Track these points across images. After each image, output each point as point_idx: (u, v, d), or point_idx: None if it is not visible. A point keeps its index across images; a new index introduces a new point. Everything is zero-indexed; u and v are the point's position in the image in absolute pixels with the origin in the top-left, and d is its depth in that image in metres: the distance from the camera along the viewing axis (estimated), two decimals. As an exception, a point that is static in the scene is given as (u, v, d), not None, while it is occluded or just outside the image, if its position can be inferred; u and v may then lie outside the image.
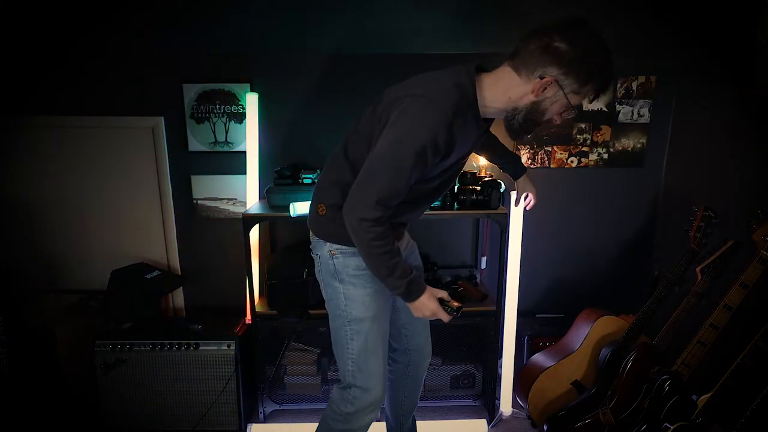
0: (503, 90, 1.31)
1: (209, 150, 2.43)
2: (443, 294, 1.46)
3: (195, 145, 2.42)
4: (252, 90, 2.35)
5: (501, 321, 2.24)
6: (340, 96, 2.35)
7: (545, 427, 2.01)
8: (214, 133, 2.41)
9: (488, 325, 2.22)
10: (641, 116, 2.44)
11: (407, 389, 1.87)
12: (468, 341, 2.33)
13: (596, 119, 2.43)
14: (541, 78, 1.24)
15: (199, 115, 2.39)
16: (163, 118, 2.39)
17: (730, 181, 2.16)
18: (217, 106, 2.38)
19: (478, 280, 2.48)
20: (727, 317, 1.70)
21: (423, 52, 2.31)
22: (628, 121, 2.44)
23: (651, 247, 2.60)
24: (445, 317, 1.44)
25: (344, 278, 1.51)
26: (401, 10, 2.29)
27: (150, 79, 2.35)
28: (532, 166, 2.49)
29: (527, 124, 1.33)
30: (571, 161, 2.49)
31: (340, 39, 2.32)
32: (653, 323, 1.99)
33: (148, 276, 2.37)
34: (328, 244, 1.51)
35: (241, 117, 2.39)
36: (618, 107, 2.42)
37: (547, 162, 2.49)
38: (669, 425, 1.60)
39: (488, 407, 2.33)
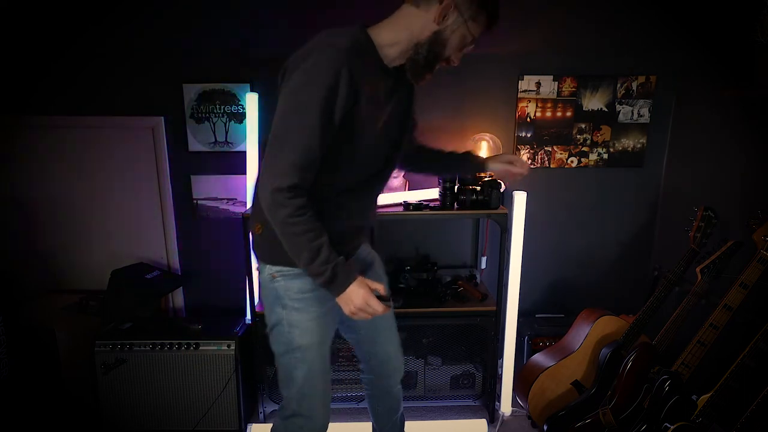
0: (404, 27, 1.30)
1: (209, 150, 2.43)
2: (379, 287, 1.32)
3: (195, 145, 2.42)
4: (252, 90, 2.35)
5: (501, 321, 2.24)
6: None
7: (545, 427, 2.01)
8: (214, 133, 2.41)
9: (488, 325, 2.22)
10: (641, 116, 2.44)
11: (379, 399, 1.78)
12: (468, 341, 2.33)
13: (596, 119, 2.44)
14: (441, 2, 1.25)
15: (199, 115, 2.39)
16: (163, 118, 2.39)
17: (730, 181, 2.16)
18: (217, 106, 2.38)
19: (478, 280, 2.48)
20: (727, 317, 1.70)
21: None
22: (628, 121, 2.44)
23: (651, 247, 2.60)
24: (380, 308, 1.29)
25: (287, 303, 1.40)
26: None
27: (150, 79, 2.35)
28: (532, 166, 2.49)
29: (431, 58, 1.30)
30: (571, 161, 2.49)
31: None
32: (653, 323, 1.99)
33: (148, 276, 2.37)
34: (268, 266, 1.41)
35: (241, 117, 2.39)
36: (618, 107, 2.42)
37: (547, 162, 2.49)
38: (669, 425, 1.60)
39: (488, 407, 2.33)
